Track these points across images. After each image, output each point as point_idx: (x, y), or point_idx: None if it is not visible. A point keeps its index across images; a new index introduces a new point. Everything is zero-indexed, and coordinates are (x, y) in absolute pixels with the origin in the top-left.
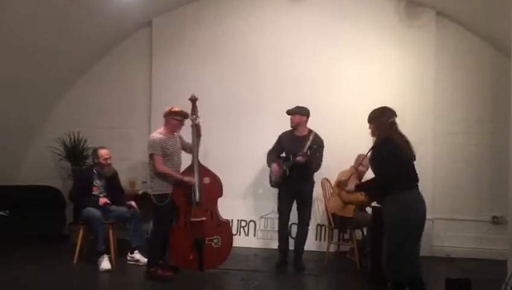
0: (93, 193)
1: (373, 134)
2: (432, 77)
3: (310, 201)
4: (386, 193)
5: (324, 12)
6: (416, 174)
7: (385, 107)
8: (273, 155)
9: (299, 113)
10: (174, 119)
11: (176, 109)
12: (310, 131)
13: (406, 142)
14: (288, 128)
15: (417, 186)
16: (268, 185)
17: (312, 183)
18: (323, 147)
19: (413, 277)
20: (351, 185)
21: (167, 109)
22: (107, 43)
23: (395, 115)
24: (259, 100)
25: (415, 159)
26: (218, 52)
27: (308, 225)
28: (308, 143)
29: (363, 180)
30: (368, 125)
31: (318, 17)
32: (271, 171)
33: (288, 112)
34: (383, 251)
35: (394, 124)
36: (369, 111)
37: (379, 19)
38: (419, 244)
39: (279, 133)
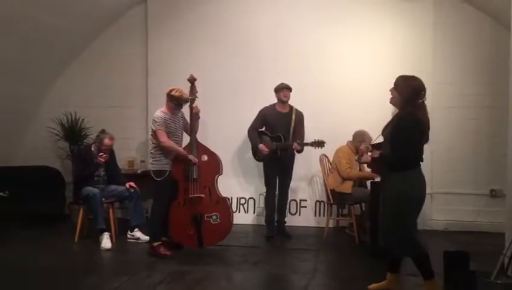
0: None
1: (394, 102)
2: (430, 50)
3: (292, 171)
4: (400, 168)
5: None
6: (423, 154)
7: (416, 77)
8: (255, 132)
9: (290, 90)
10: (172, 103)
11: (175, 93)
12: (291, 107)
13: (428, 123)
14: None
15: (420, 164)
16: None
17: (294, 155)
18: (323, 145)
19: (421, 251)
20: (366, 156)
21: (167, 90)
22: (102, 21)
23: (425, 90)
24: (256, 77)
25: (427, 141)
26: (214, 29)
27: (288, 195)
28: (293, 123)
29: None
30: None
31: None
32: (257, 148)
33: (287, 87)
34: (382, 229)
35: (422, 97)
36: (365, 86)
37: None
38: (416, 223)
39: None
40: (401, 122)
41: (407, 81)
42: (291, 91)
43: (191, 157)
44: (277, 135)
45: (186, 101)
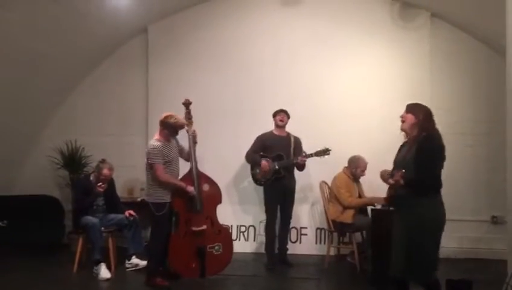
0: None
1: (408, 126)
2: (427, 78)
3: (293, 198)
4: (428, 191)
5: (319, 15)
6: None
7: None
8: (255, 155)
9: (288, 115)
10: (166, 130)
11: (171, 120)
12: (288, 133)
13: (444, 146)
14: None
15: None
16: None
17: (295, 180)
18: (328, 152)
19: (435, 277)
20: (397, 175)
21: (162, 116)
22: (104, 50)
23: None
24: (256, 104)
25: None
26: (214, 58)
27: (290, 221)
28: (292, 145)
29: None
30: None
31: (313, 21)
32: (257, 169)
33: (283, 111)
34: (399, 257)
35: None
36: (364, 113)
37: (374, 21)
38: None
39: None
40: (427, 143)
41: (420, 106)
42: (288, 117)
43: (189, 189)
44: (278, 154)
45: (182, 127)
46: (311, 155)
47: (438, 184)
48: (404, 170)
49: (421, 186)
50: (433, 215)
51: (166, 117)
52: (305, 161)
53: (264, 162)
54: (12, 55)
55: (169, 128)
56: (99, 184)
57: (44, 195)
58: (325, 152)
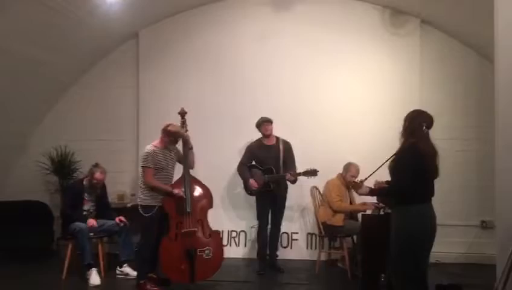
0: (84, 206)
1: (402, 134)
2: (417, 83)
3: (284, 205)
4: (400, 202)
5: (310, 21)
6: (433, 189)
7: (423, 111)
8: (245, 167)
9: (271, 123)
10: (167, 137)
11: (172, 129)
12: (277, 138)
13: (433, 155)
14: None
15: (431, 200)
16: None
17: (286, 187)
18: (316, 173)
19: None
20: (366, 188)
21: (164, 125)
22: (94, 55)
23: (429, 123)
24: (247, 109)
25: (437, 177)
26: (205, 63)
27: (281, 227)
28: (281, 154)
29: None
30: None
31: (304, 26)
32: (247, 183)
33: (267, 120)
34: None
35: (425, 130)
36: (355, 118)
37: (364, 28)
38: (427, 261)
39: None
40: (401, 153)
41: (411, 113)
42: (272, 123)
43: (175, 191)
44: (268, 167)
45: (181, 136)
46: (299, 174)
47: (414, 194)
48: (359, 180)
49: (394, 195)
50: (402, 226)
51: (167, 126)
52: (292, 179)
53: (252, 182)
54: (1, 60)
55: (170, 137)
56: (91, 224)
57: (34, 200)
58: (312, 173)
